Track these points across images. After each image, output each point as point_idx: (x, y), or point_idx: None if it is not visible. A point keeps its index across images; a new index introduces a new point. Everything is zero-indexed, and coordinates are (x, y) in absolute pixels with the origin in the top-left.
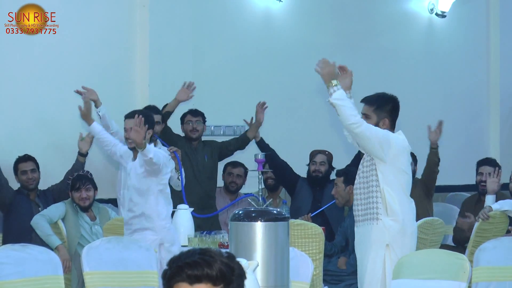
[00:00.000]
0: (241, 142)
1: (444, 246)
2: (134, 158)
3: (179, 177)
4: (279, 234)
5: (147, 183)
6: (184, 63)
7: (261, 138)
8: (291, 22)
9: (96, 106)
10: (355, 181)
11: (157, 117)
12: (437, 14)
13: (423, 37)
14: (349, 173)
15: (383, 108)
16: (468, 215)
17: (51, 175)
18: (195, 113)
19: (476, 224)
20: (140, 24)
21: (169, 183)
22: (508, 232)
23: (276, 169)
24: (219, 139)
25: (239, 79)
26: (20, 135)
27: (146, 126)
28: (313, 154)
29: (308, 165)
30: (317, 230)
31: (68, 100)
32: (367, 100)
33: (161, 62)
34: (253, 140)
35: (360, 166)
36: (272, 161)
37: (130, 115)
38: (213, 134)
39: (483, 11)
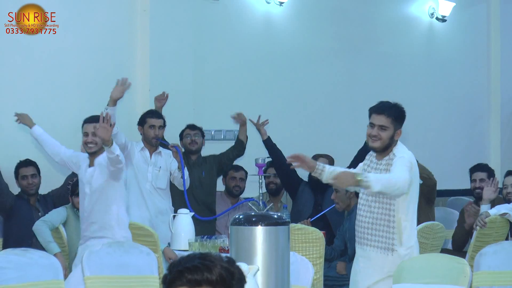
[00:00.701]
0: (238, 148)
1: (444, 251)
2: (91, 164)
3: (183, 176)
4: (280, 239)
5: (108, 192)
6: (184, 68)
7: (268, 137)
8: (292, 27)
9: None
10: (364, 202)
11: (159, 122)
12: (437, 19)
13: (423, 42)
14: None
15: (399, 119)
16: (473, 205)
17: (51, 179)
18: (194, 127)
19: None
20: (141, 29)
21: (172, 183)
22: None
23: (280, 170)
24: (220, 144)
25: (240, 84)
26: (20, 138)
27: (114, 123)
28: (315, 158)
29: None
30: (318, 235)
31: (69, 103)
32: (384, 110)
33: (162, 67)
34: (260, 140)
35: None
36: (277, 161)
37: (89, 120)
38: (213, 139)
39: (483, 15)
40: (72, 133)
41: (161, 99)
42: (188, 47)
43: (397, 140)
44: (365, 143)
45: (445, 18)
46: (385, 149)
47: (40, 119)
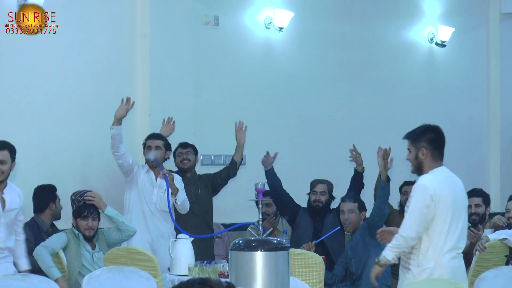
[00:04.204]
0: (230, 169)
1: None
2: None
3: (176, 200)
4: (279, 264)
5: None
6: (184, 93)
7: (272, 167)
8: (292, 52)
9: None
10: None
11: (155, 142)
12: (437, 44)
13: (423, 67)
14: (360, 200)
15: (419, 139)
16: (470, 229)
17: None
18: (185, 145)
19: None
20: (141, 54)
21: (175, 208)
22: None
23: (277, 199)
24: (220, 169)
25: (240, 109)
26: (16, 141)
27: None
28: (314, 184)
29: (309, 194)
30: (318, 260)
31: (69, 128)
32: (406, 135)
33: (162, 92)
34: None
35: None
36: (274, 190)
37: None
38: (213, 164)
39: (483, 40)
40: (72, 155)
41: (165, 125)
42: (188, 72)
43: (428, 160)
44: (355, 170)
45: (445, 43)
46: (419, 169)
47: (39, 140)
